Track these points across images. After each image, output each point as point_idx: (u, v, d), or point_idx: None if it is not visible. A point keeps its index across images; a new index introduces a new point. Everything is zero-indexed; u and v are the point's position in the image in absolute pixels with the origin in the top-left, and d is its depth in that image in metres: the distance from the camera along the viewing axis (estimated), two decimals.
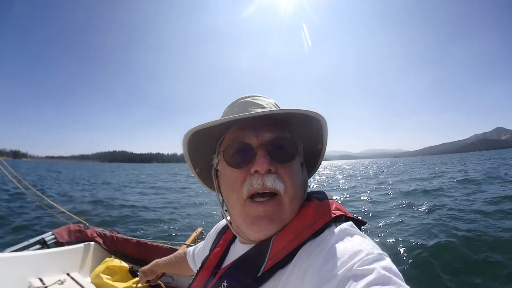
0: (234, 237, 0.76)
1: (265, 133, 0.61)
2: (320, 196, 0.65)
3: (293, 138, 0.64)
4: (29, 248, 2.39)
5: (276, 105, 0.72)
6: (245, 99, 0.71)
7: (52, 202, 3.14)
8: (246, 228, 0.61)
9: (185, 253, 1.15)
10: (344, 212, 0.61)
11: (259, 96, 0.72)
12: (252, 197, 0.59)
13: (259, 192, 0.58)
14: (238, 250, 0.70)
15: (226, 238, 0.79)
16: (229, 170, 0.63)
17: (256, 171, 0.58)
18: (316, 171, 0.78)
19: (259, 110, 0.65)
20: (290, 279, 0.52)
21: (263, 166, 0.57)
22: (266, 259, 0.56)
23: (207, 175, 0.77)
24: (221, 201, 0.72)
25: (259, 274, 0.55)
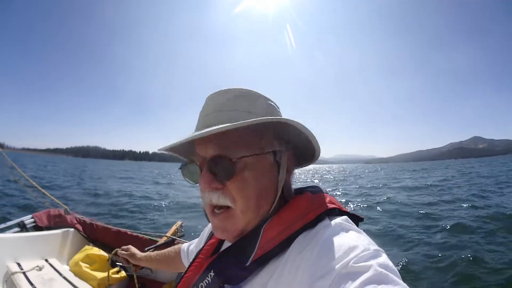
0: None
1: (210, 150, 0.58)
2: (314, 190, 0.64)
3: (227, 156, 0.56)
4: (8, 231, 2.37)
5: (268, 100, 0.64)
6: (208, 101, 0.63)
7: (35, 184, 3.10)
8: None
9: (179, 249, 1.13)
10: (338, 206, 0.59)
11: (225, 91, 0.62)
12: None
13: (211, 207, 0.59)
14: (226, 246, 0.70)
15: (216, 238, 0.78)
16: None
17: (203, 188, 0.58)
18: (315, 160, 0.69)
19: (217, 123, 0.57)
20: (283, 273, 0.50)
21: (205, 185, 0.57)
22: (256, 249, 0.54)
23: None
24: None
25: (247, 264, 0.53)
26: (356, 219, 0.59)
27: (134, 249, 1.34)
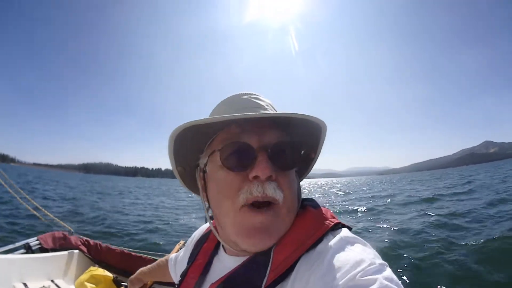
0: (217, 248, 0.70)
1: (268, 136, 0.55)
2: (314, 204, 0.61)
3: (296, 144, 0.58)
4: (14, 252, 2.42)
5: (273, 106, 0.66)
6: (243, 97, 0.64)
7: (39, 206, 3.17)
8: (238, 239, 0.55)
9: (167, 261, 1.10)
10: (337, 220, 0.58)
11: (257, 95, 0.65)
12: (248, 205, 0.54)
13: (258, 201, 0.53)
14: (225, 262, 0.64)
15: (207, 248, 0.72)
16: (222, 173, 0.56)
17: (256, 177, 0.53)
18: (304, 178, 0.73)
19: (262, 111, 0.60)
20: None
21: (264, 171, 0.52)
22: (267, 272, 0.51)
23: (190, 175, 0.69)
24: (206, 206, 0.66)
25: None
26: (348, 229, 0.58)
27: (130, 278, 1.29)
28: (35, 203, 3.20)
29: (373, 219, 9.74)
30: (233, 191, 0.54)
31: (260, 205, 0.53)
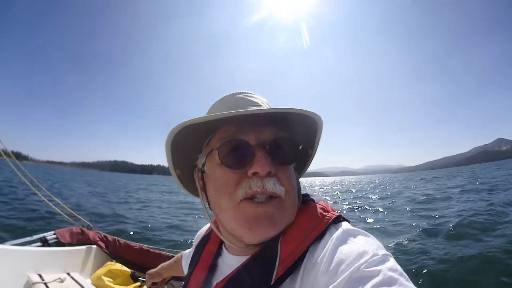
0: (220, 248, 0.70)
1: (265, 132, 0.56)
2: (314, 198, 0.63)
3: (294, 139, 0.59)
4: (30, 245, 2.40)
5: (268, 104, 0.67)
6: (237, 96, 0.65)
7: (58, 201, 3.15)
8: (242, 231, 0.55)
9: (182, 256, 1.11)
10: (338, 214, 0.58)
11: (251, 93, 0.66)
12: (248, 199, 0.54)
13: (258, 196, 0.53)
14: (229, 262, 0.63)
15: (209, 251, 0.71)
16: (220, 171, 0.57)
17: (255, 173, 0.53)
18: (302, 175, 0.73)
19: (256, 108, 0.60)
20: (304, 286, 0.48)
21: (264, 168, 0.52)
22: (276, 265, 0.50)
23: (188, 178, 0.69)
24: (206, 206, 0.66)
25: (272, 283, 0.49)
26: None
27: (150, 271, 1.32)
28: (55, 198, 3.19)
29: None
30: (232, 187, 0.55)
31: (262, 198, 0.54)
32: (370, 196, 18.10)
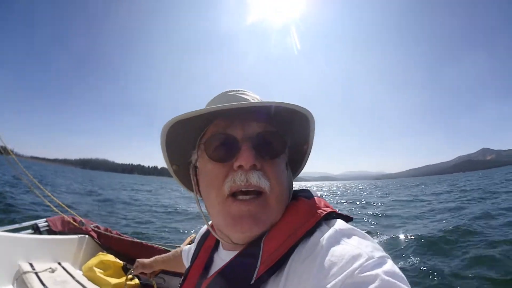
0: (217, 245, 0.71)
1: (252, 126, 0.57)
2: (307, 195, 0.61)
3: (281, 133, 0.59)
4: (21, 231, 2.36)
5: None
6: (229, 93, 0.66)
7: (48, 193, 3.12)
8: (226, 228, 0.57)
9: (181, 251, 1.14)
10: (331, 209, 0.56)
11: (244, 91, 0.67)
12: (234, 195, 0.54)
13: (243, 190, 0.53)
14: (223, 257, 0.64)
15: (207, 246, 0.73)
16: (210, 166, 0.58)
17: (240, 166, 0.53)
18: (299, 173, 0.74)
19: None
20: (287, 287, 0.47)
21: (247, 160, 0.52)
22: (258, 264, 0.49)
23: (185, 174, 0.71)
24: (201, 202, 0.67)
25: (252, 282, 0.48)
26: (346, 220, 0.57)
27: (141, 260, 1.36)
28: (48, 193, 3.15)
29: None
30: (219, 181, 0.55)
31: (248, 193, 0.54)
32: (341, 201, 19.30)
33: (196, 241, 0.85)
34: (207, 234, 0.78)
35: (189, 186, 0.73)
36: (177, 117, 0.54)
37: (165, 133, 0.58)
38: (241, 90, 0.67)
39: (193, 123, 0.57)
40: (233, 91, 0.66)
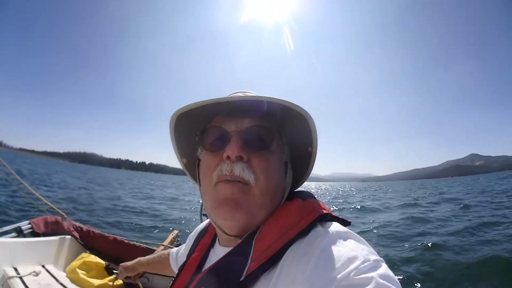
0: (213, 241, 0.72)
1: (244, 122, 0.59)
2: (303, 196, 0.61)
3: (270, 128, 0.60)
4: (4, 235, 2.37)
5: None
6: (235, 94, 0.68)
7: (33, 191, 3.12)
8: (212, 213, 0.59)
9: (168, 254, 1.12)
10: (328, 211, 0.56)
11: (250, 92, 0.69)
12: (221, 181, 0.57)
13: (228, 179, 0.55)
14: (218, 253, 0.65)
15: (204, 242, 0.75)
16: (205, 156, 0.62)
17: (228, 157, 0.56)
18: (308, 175, 0.73)
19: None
20: (278, 286, 0.47)
21: (233, 151, 0.55)
22: (249, 261, 0.50)
23: (193, 167, 0.72)
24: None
25: (241, 278, 0.48)
26: (344, 224, 0.57)
27: (125, 264, 1.30)
28: (30, 189, 3.15)
29: None
30: (210, 171, 0.59)
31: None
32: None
33: (195, 236, 0.86)
34: (205, 230, 0.80)
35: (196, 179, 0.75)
36: (182, 108, 0.58)
37: (172, 126, 0.64)
38: (248, 92, 0.69)
39: (198, 119, 0.62)
40: (239, 92, 0.69)
